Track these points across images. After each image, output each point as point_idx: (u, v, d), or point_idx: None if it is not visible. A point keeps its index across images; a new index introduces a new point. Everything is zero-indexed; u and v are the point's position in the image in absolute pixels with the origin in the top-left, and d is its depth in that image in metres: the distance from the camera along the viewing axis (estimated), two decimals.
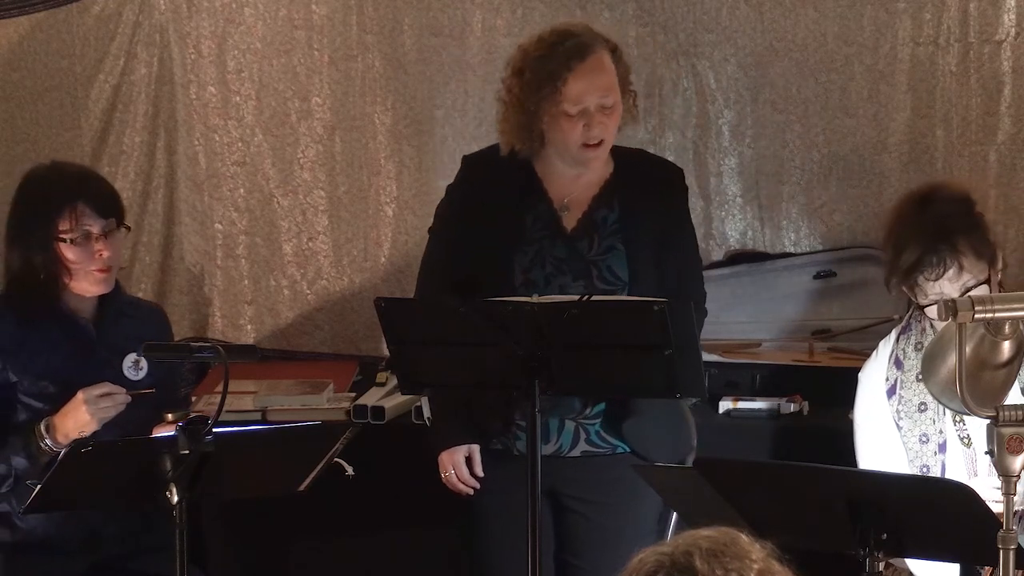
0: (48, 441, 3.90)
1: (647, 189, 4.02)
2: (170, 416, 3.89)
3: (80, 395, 3.88)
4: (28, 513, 3.76)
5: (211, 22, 5.52)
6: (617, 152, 4.05)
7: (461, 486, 4.04)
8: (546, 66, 3.88)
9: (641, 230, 3.98)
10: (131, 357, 4.08)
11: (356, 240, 5.53)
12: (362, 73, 5.47)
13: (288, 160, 5.52)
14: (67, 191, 4.03)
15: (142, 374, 4.08)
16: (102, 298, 4.10)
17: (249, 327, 5.60)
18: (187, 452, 3.46)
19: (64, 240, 3.99)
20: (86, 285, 4.04)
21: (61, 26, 5.55)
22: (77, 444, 3.52)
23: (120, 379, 4.02)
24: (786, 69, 5.29)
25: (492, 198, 4.01)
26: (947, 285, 3.74)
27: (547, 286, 3.92)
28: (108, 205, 4.06)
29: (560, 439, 3.96)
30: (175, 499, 3.48)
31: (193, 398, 5.01)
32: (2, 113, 5.60)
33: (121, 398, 3.91)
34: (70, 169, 4.23)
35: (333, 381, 5.09)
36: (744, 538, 2.09)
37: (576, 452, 3.98)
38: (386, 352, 3.99)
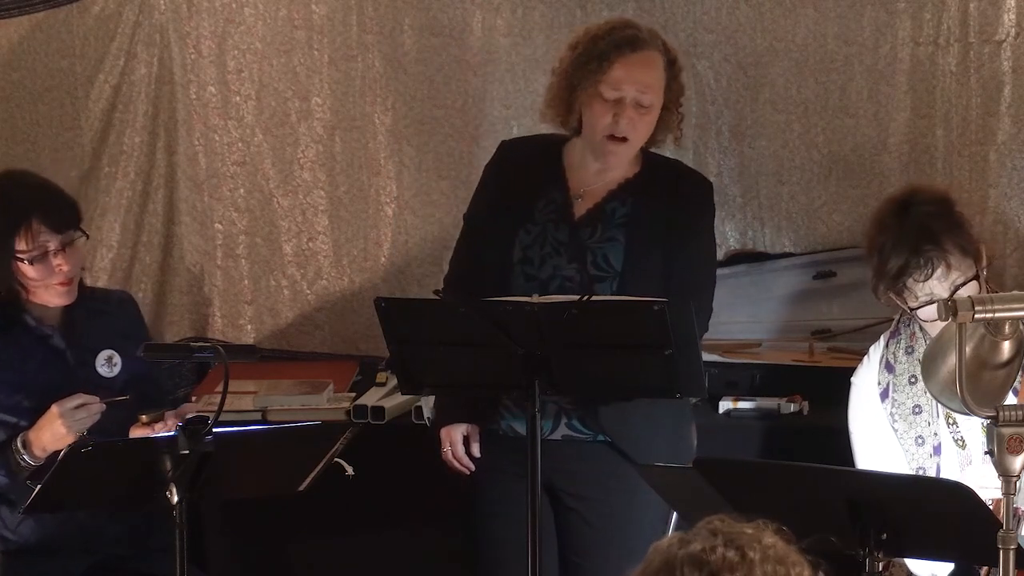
0: (26, 456, 3.88)
1: (666, 195, 4.02)
2: (144, 418, 3.88)
3: (54, 408, 3.85)
4: (29, 513, 3.75)
5: (211, 22, 5.51)
6: (649, 157, 4.07)
7: (456, 464, 4.06)
8: (598, 45, 3.95)
9: (647, 229, 3.98)
10: (104, 354, 4.05)
11: (356, 240, 5.52)
12: (362, 73, 5.46)
13: (288, 160, 5.52)
14: (19, 209, 3.94)
15: (116, 370, 4.06)
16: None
17: (249, 327, 5.60)
18: (187, 452, 3.46)
19: (21, 260, 3.93)
20: (48, 298, 4.00)
21: (61, 26, 5.55)
22: (77, 444, 3.52)
23: (94, 379, 4.01)
24: (786, 69, 5.28)
25: (512, 180, 4.07)
26: (936, 285, 3.74)
27: (542, 265, 3.96)
28: (63, 218, 3.98)
29: (541, 421, 3.94)
30: (175, 499, 3.48)
31: (193, 398, 5.01)
32: (2, 113, 5.59)
33: (96, 407, 3.88)
34: (22, 182, 4.11)
35: (333, 381, 5.09)
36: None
37: (557, 436, 3.97)
38: (386, 352, 3.98)
